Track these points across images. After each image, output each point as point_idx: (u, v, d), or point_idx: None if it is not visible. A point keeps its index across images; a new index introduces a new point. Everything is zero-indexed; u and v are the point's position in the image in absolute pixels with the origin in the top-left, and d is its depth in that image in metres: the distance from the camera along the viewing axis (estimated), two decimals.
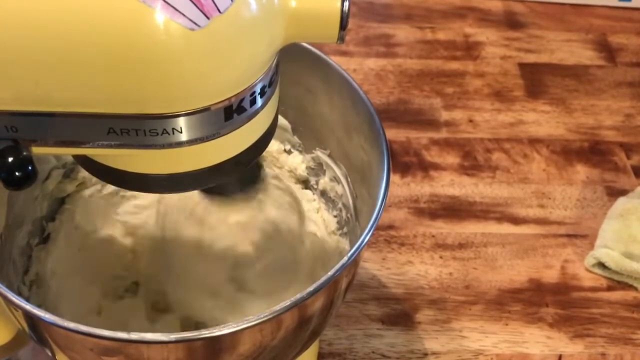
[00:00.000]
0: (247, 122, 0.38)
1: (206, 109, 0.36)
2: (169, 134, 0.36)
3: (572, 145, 0.78)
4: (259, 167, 0.56)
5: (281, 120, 0.58)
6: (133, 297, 0.54)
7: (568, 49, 0.88)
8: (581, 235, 0.70)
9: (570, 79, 0.85)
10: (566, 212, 0.72)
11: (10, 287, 0.40)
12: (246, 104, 0.37)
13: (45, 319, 0.39)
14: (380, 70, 0.84)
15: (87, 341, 0.40)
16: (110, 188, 0.58)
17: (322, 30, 0.38)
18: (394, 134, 0.77)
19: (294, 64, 0.50)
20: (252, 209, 0.56)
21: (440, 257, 0.68)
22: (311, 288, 0.40)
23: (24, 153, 0.36)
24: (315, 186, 0.60)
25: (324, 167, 0.59)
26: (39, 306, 0.40)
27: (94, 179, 0.57)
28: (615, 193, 0.74)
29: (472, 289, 0.66)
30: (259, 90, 0.38)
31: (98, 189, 0.58)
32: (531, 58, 0.87)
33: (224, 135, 0.38)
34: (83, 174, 0.58)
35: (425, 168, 0.75)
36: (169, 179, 0.39)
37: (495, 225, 0.71)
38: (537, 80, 0.85)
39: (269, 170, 0.60)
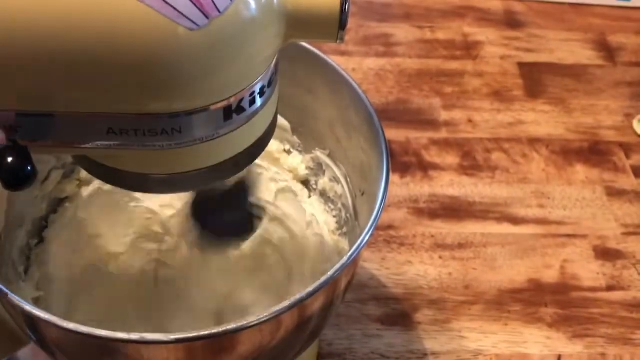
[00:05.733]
0: (247, 122, 0.38)
1: (205, 109, 0.36)
2: (168, 134, 0.36)
3: (572, 145, 0.78)
4: (250, 217, 0.56)
5: (281, 120, 0.58)
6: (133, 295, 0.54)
7: (567, 49, 0.88)
8: (580, 235, 0.70)
9: (570, 78, 0.85)
10: (566, 212, 0.72)
11: (9, 287, 0.40)
12: (245, 104, 0.37)
13: (44, 319, 0.39)
14: (380, 70, 0.84)
15: (87, 341, 0.40)
16: (109, 187, 0.58)
17: (322, 29, 0.38)
18: (394, 134, 0.77)
19: (293, 64, 0.50)
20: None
21: (440, 257, 0.68)
22: (311, 288, 0.40)
23: (24, 153, 0.36)
24: (314, 186, 0.61)
25: (324, 167, 0.59)
26: (39, 306, 0.40)
27: (94, 179, 0.57)
28: (614, 193, 0.74)
29: (472, 289, 0.66)
30: (258, 90, 0.38)
31: (97, 189, 0.58)
32: (530, 58, 0.87)
33: (223, 135, 0.38)
34: (83, 174, 0.58)
35: (425, 168, 0.75)
36: (168, 179, 0.39)
37: (495, 226, 0.71)
38: (536, 79, 0.85)
39: (266, 172, 0.60)
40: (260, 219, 0.56)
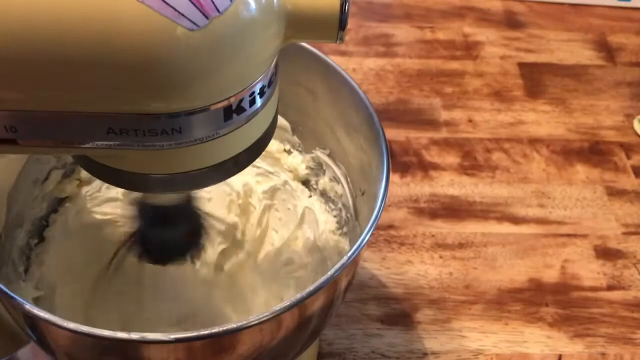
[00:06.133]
0: (247, 122, 0.38)
1: (205, 109, 0.36)
2: (168, 134, 0.36)
3: (572, 145, 0.78)
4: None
5: (281, 120, 0.58)
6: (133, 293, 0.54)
7: (567, 49, 0.88)
8: (581, 235, 0.70)
9: (570, 78, 0.85)
10: (566, 212, 0.72)
11: (9, 287, 0.40)
12: (245, 104, 0.37)
13: (45, 319, 0.39)
14: (380, 70, 0.84)
15: (87, 341, 0.40)
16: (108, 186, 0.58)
17: (322, 30, 0.38)
18: (394, 133, 0.77)
19: (293, 64, 0.50)
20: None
21: (440, 257, 0.68)
22: (311, 288, 0.40)
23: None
24: (315, 186, 0.61)
25: (324, 167, 0.59)
26: (39, 306, 0.40)
27: (94, 179, 0.57)
28: (615, 193, 0.74)
29: (472, 288, 0.66)
30: (258, 90, 0.38)
31: (97, 188, 0.58)
32: (531, 58, 0.87)
33: (223, 135, 0.38)
34: (83, 173, 0.58)
35: (425, 168, 0.75)
36: (169, 179, 0.39)
37: (495, 225, 0.71)
38: (536, 80, 0.85)
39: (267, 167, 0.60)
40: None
